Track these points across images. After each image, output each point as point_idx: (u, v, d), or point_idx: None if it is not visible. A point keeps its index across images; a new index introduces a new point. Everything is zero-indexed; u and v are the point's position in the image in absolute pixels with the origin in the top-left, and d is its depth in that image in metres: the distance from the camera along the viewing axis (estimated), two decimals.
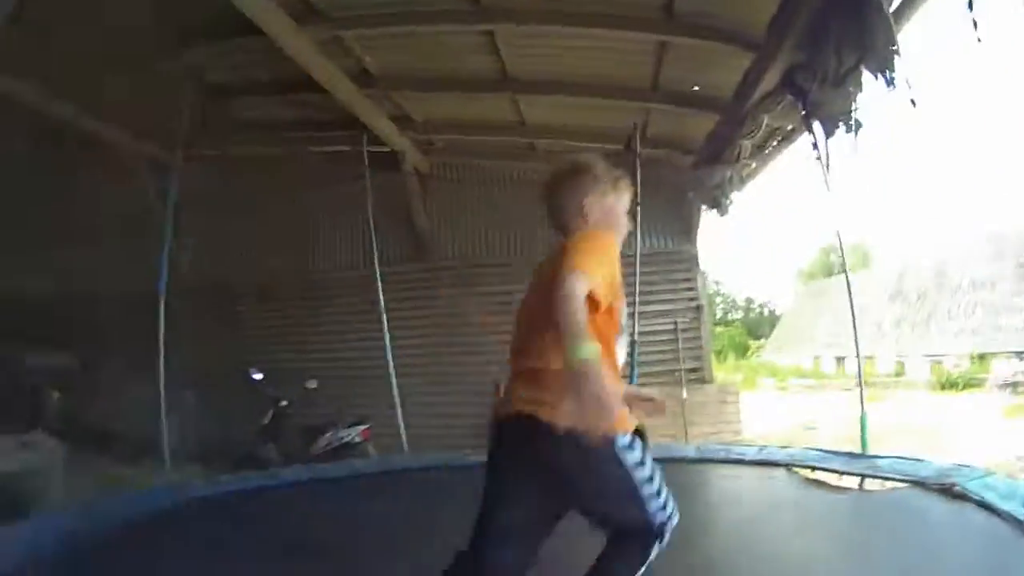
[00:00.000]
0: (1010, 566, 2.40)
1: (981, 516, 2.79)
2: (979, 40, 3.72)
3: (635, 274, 6.61)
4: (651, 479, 1.67)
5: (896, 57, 4.10)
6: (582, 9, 5.24)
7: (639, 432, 1.71)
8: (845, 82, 4.77)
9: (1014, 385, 13.60)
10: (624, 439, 1.65)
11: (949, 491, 2.83)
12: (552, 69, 6.41)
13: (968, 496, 2.90)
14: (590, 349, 1.39)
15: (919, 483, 3.21)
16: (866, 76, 4.50)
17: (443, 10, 5.35)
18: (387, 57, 6.28)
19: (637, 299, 6.71)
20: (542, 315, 1.57)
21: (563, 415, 1.46)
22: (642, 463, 1.67)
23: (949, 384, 15.81)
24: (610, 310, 1.68)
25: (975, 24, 3.73)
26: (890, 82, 4.18)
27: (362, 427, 6.70)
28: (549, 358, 1.60)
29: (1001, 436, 10.04)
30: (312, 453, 6.38)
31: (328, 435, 6.56)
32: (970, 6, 3.72)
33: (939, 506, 2.93)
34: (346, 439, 6.57)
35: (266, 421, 6.89)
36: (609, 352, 1.66)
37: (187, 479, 5.32)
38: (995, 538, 2.59)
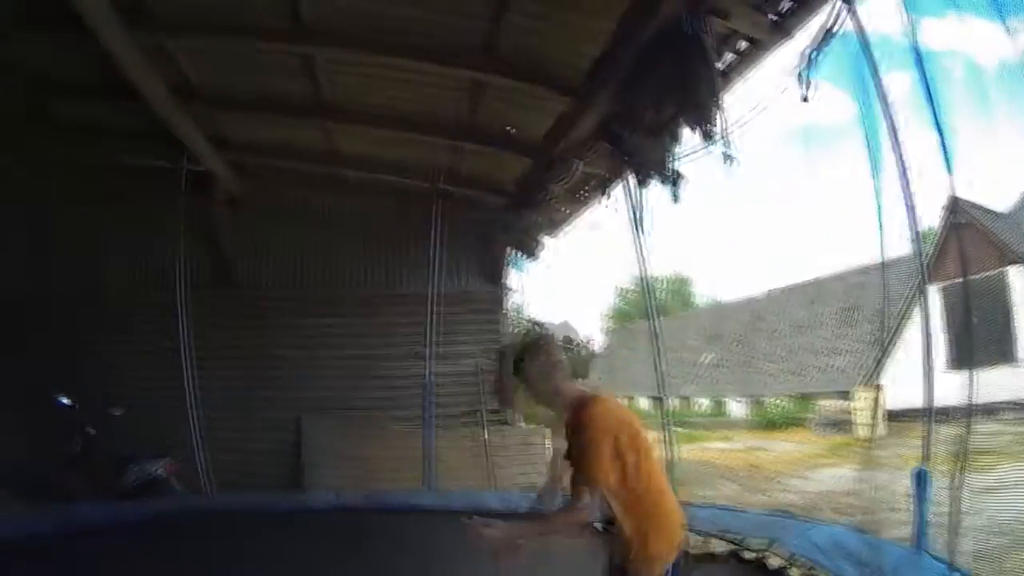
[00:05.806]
0: None
1: None
2: (805, 100, 3.84)
3: (431, 314, 6.91)
4: None
5: (718, 112, 4.07)
6: (402, 40, 5.07)
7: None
8: (662, 133, 4.81)
9: (837, 424, 14.40)
10: None
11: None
12: (367, 99, 6.20)
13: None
14: None
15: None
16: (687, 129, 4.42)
17: (267, 27, 5.10)
18: (208, 72, 5.92)
19: (432, 339, 7.13)
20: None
21: None
22: None
23: (770, 424, 16.95)
24: None
25: (806, 82, 3.84)
26: (708, 136, 4.14)
27: (165, 460, 6.50)
28: None
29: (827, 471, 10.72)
30: (122, 488, 6.20)
31: (135, 468, 6.40)
32: (807, 67, 3.87)
33: None
34: (152, 473, 6.42)
35: (77, 449, 6.51)
36: None
37: None
38: None
